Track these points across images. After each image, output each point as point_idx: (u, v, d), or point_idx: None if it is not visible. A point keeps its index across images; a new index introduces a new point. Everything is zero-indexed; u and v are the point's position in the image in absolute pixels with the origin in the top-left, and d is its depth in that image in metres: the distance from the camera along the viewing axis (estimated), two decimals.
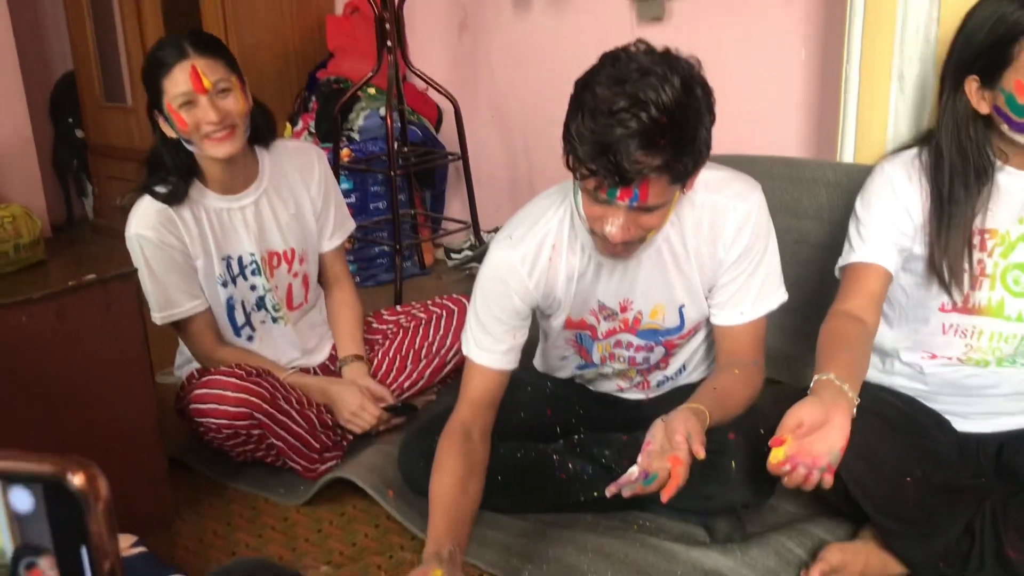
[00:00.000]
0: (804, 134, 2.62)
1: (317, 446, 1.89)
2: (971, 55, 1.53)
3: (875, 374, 1.70)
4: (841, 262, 1.65)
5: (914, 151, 1.63)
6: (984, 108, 1.53)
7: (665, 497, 1.33)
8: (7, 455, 0.44)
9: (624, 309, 1.64)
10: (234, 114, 1.80)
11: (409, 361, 2.12)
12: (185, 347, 2.01)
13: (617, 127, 1.27)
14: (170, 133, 1.83)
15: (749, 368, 1.61)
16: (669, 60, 1.32)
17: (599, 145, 1.29)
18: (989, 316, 1.58)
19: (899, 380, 1.68)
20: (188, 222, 1.87)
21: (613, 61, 1.33)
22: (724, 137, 2.59)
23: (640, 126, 1.27)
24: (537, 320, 1.72)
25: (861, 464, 1.44)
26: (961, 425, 1.65)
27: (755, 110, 2.66)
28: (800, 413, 1.33)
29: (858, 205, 1.65)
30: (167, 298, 1.88)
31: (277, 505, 1.89)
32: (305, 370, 2.08)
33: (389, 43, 2.88)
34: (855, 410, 1.37)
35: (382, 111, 3.11)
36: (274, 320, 2.03)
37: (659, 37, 2.85)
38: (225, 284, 1.95)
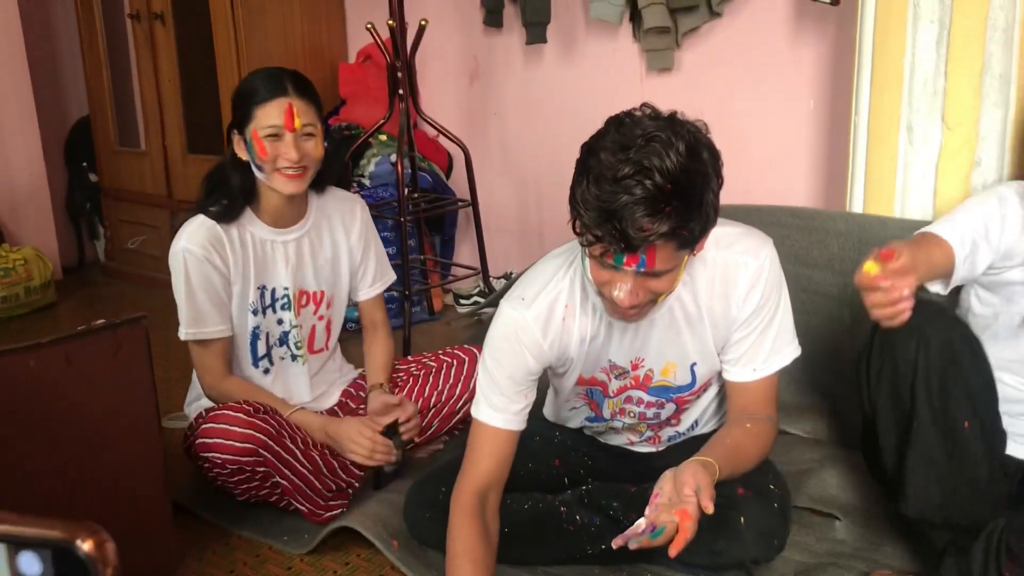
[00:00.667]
0: (813, 184, 2.63)
1: (321, 489, 1.88)
2: None
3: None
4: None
5: None
6: None
7: (673, 552, 1.31)
8: (17, 520, 0.44)
9: (635, 367, 1.62)
10: (311, 157, 1.89)
11: (419, 409, 2.10)
12: (196, 382, 2.01)
13: (622, 194, 1.26)
14: (243, 156, 1.90)
15: (762, 423, 1.59)
16: (674, 125, 1.31)
17: (604, 212, 1.28)
18: None
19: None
20: (235, 243, 1.92)
21: (618, 126, 1.32)
22: (733, 187, 2.60)
23: (645, 193, 1.26)
24: (547, 376, 1.70)
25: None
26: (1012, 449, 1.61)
27: (764, 160, 2.68)
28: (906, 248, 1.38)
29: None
30: (198, 315, 1.90)
31: (281, 553, 1.87)
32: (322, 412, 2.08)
33: (401, 91, 2.91)
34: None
35: (393, 157, 3.14)
36: (293, 358, 2.05)
37: (668, 87, 2.90)
38: (256, 312, 1.98)
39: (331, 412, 2.12)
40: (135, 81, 3.88)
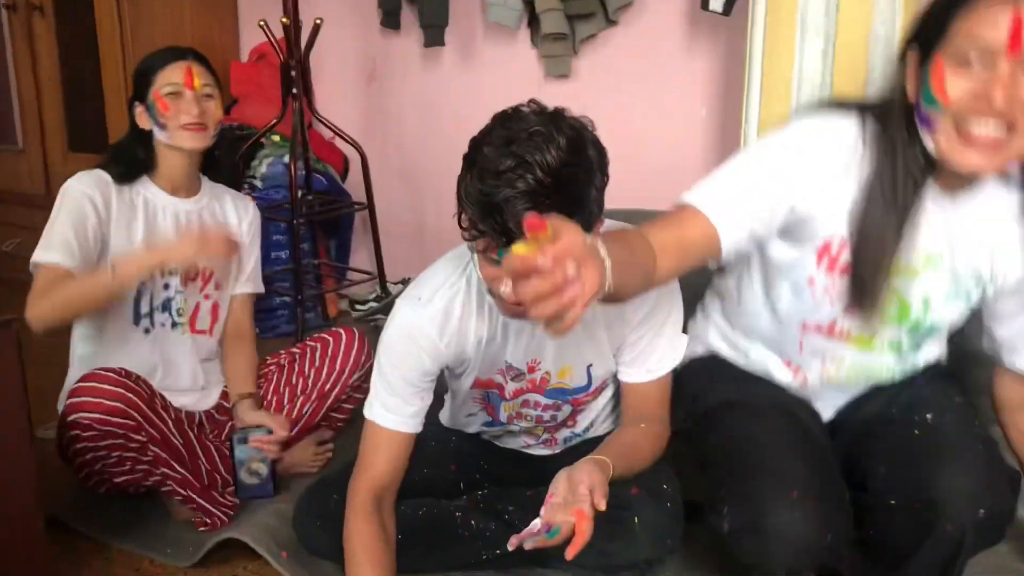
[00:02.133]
0: None
1: (192, 470, 1.84)
2: (919, 19, 1.32)
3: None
4: None
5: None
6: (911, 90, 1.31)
7: (570, 554, 1.31)
8: None
9: (532, 370, 1.62)
10: (211, 116, 1.96)
11: (287, 399, 2.09)
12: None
13: (504, 187, 1.27)
14: (144, 125, 1.96)
15: (655, 423, 1.62)
16: (557, 121, 1.32)
17: (486, 206, 1.29)
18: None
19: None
20: (124, 199, 1.94)
21: (503, 121, 1.33)
22: (629, 192, 2.63)
23: (526, 187, 1.27)
24: (444, 377, 1.69)
25: None
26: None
27: (659, 165, 2.72)
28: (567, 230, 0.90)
29: None
30: (48, 242, 1.85)
31: (164, 567, 1.79)
32: (191, 415, 2.02)
33: (295, 90, 2.85)
34: None
35: (286, 158, 3.07)
36: (174, 325, 2.01)
37: (565, 93, 2.92)
38: None
39: (209, 416, 2.07)
40: (11, 76, 3.70)
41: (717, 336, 1.67)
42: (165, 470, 1.79)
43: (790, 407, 1.54)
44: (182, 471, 1.82)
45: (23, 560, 1.65)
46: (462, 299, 1.55)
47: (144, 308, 1.98)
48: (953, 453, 1.37)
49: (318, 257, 3.30)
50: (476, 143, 1.34)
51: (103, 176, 1.94)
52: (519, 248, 0.87)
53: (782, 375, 1.58)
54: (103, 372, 1.76)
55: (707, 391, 1.61)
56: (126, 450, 1.76)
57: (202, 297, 2.05)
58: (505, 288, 1.37)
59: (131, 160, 1.98)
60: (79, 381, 1.77)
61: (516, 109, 1.35)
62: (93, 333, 1.96)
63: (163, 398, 1.88)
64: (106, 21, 3.26)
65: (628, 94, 2.76)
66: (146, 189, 1.98)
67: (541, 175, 1.27)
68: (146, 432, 1.75)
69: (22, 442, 1.63)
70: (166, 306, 2.00)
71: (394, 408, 1.56)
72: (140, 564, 1.81)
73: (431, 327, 1.54)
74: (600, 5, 2.66)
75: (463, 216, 1.35)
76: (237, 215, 2.13)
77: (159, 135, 1.95)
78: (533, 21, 2.82)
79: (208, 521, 1.84)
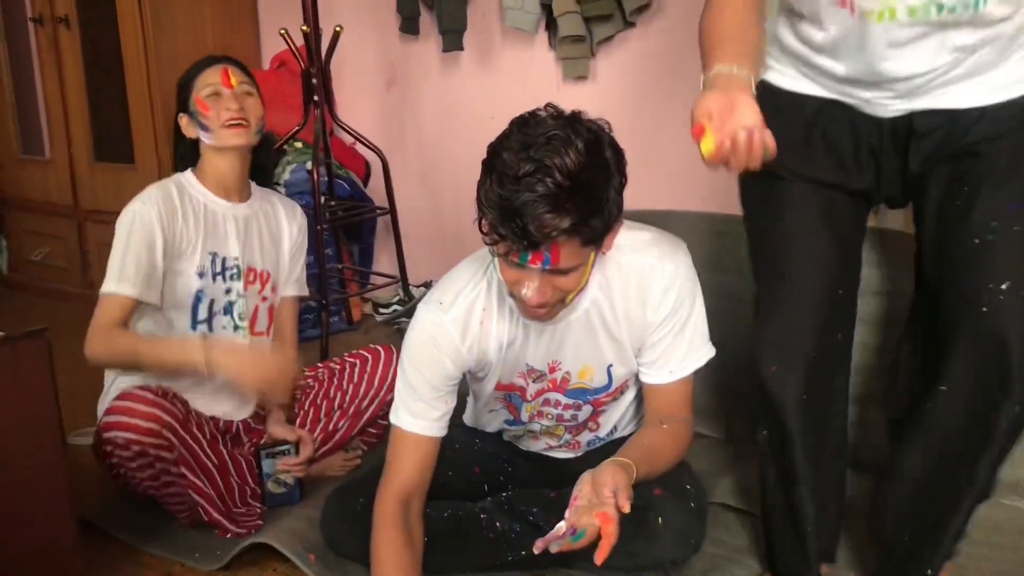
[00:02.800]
0: (727, 189, 2.68)
1: (224, 490, 1.86)
2: None
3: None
4: None
5: None
6: None
7: (599, 558, 1.31)
8: None
9: (553, 370, 1.64)
10: (251, 112, 1.98)
11: (323, 412, 2.10)
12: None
13: (523, 192, 1.29)
14: (191, 134, 1.99)
15: (678, 424, 1.62)
16: (574, 124, 1.34)
17: (506, 210, 1.30)
18: None
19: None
20: (187, 208, 1.95)
21: (521, 125, 1.35)
22: (647, 193, 2.64)
23: (545, 190, 1.28)
24: (466, 380, 1.70)
25: None
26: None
27: (676, 166, 2.72)
28: (705, 104, 1.26)
29: None
30: (117, 273, 1.86)
31: (194, 571, 1.82)
32: (228, 424, 2.04)
33: (316, 97, 2.88)
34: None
35: (309, 165, 3.10)
36: (236, 329, 2.03)
37: (583, 95, 2.93)
38: (202, 275, 1.96)
39: (246, 424, 2.08)
40: (39, 86, 3.75)
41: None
42: (192, 493, 1.82)
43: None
44: (210, 491, 1.84)
45: (57, 563, 1.68)
46: (483, 303, 1.56)
47: (202, 314, 1.98)
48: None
49: (341, 262, 3.32)
50: (495, 148, 1.35)
51: (167, 194, 1.93)
52: (705, 146, 1.23)
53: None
54: (139, 392, 1.78)
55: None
56: (158, 469, 1.80)
57: (260, 300, 2.08)
58: (526, 291, 1.39)
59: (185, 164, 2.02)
60: (116, 398, 1.79)
61: (533, 113, 1.36)
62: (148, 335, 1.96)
63: (198, 416, 1.89)
64: (129, 33, 3.30)
65: (645, 95, 2.76)
66: (203, 195, 2.00)
67: (560, 178, 1.28)
68: (178, 452, 1.78)
69: (54, 449, 1.66)
70: (227, 310, 2.02)
71: (419, 413, 1.58)
72: (171, 568, 1.83)
73: (453, 331, 1.55)
74: (617, 7, 2.66)
75: (483, 221, 1.36)
76: (288, 220, 2.14)
77: (205, 138, 1.97)
78: (550, 24, 2.83)
79: (232, 530, 1.87)
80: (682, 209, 2.33)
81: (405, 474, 1.58)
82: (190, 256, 1.94)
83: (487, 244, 1.39)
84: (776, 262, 1.52)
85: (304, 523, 1.84)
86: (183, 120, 1.99)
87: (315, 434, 2.07)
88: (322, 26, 2.87)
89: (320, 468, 2.09)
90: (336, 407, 2.10)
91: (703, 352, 1.64)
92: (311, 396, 2.12)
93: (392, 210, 3.02)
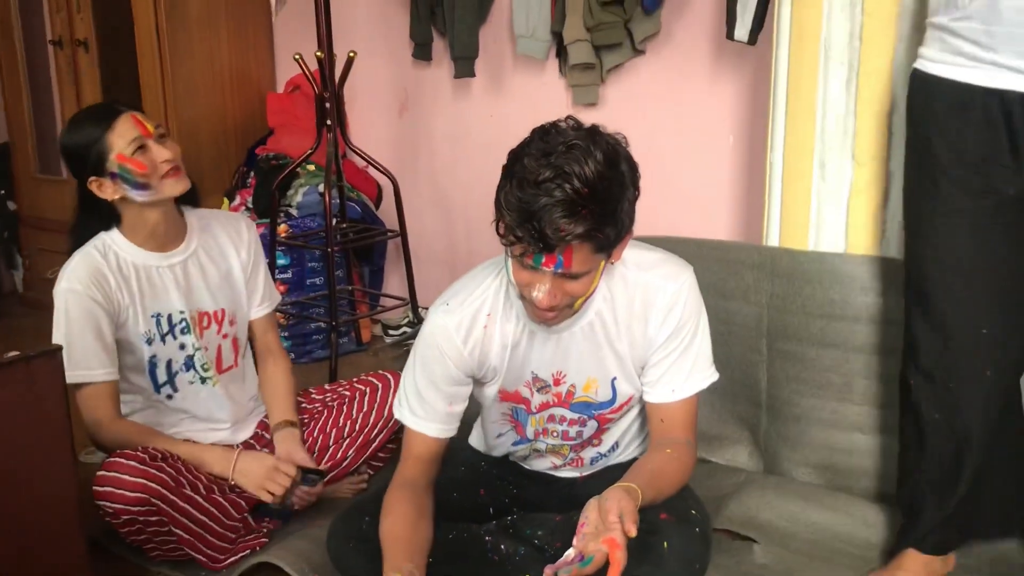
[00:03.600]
0: (733, 217, 2.70)
1: (224, 533, 1.85)
2: None
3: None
4: None
5: None
6: None
7: None
8: None
9: (557, 382, 1.66)
10: (176, 153, 1.88)
11: (332, 440, 2.09)
12: None
13: (542, 196, 1.34)
14: (111, 195, 1.86)
15: (682, 447, 1.63)
16: (594, 136, 1.40)
17: (524, 213, 1.35)
18: None
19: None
20: (117, 275, 1.89)
21: (543, 135, 1.40)
22: (656, 219, 2.66)
23: (563, 196, 1.33)
24: (474, 391, 1.72)
25: None
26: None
27: (686, 193, 2.74)
28: None
29: None
30: (80, 358, 1.83)
31: None
32: (229, 446, 2.02)
33: (329, 121, 2.91)
34: None
35: (321, 187, 3.13)
36: (203, 381, 2.01)
37: (593, 121, 2.93)
38: (150, 342, 1.93)
39: (247, 446, 2.08)
40: (57, 107, 3.81)
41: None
42: (188, 549, 1.82)
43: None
44: (209, 539, 1.84)
45: None
46: (489, 306, 1.61)
47: (162, 378, 1.96)
48: None
49: (352, 283, 3.35)
50: (515, 154, 1.41)
51: (97, 270, 1.86)
52: None
53: None
54: (125, 461, 1.76)
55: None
56: (150, 533, 1.80)
57: (221, 339, 2.04)
58: (537, 292, 1.43)
59: (97, 229, 1.91)
60: (102, 468, 1.78)
61: (555, 124, 1.42)
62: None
63: (189, 473, 1.84)
64: (147, 57, 3.35)
65: (655, 122, 2.78)
66: (132, 255, 1.91)
67: (579, 185, 1.34)
68: (169, 516, 1.77)
69: (65, 467, 1.68)
70: (188, 365, 1.99)
71: (421, 413, 1.64)
72: None
73: (456, 333, 1.60)
74: (627, 35, 2.70)
75: (501, 223, 1.41)
76: (233, 245, 2.06)
77: (140, 196, 1.86)
78: (561, 52, 2.86)
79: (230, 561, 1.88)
80: (690, 236, 2.35)
81: (416, 458, 1.65)
82: (133, 324, 1.91)
83: (504, 245, 1.44)
84: None
85: (310, 543, 1.85)
86: (97, 184, 1.85)
87: (323, 461, 2.08)
88: (336, 51, 2.91)
89: (327, 491, 2.10)
90: (345, 435, 2.10)
91: (706, 374, 1.66)
92: (319, 422, 2.11)
93: (403, 233, 3.05)
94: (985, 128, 1.52)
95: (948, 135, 1.57)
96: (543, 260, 1.40)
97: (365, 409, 2.11)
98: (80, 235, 1.93)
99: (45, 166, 3.94)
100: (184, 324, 1.97)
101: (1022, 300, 1.61)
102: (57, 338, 1.84)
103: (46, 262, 3.95)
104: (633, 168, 1.44)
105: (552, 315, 1.49)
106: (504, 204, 1.39)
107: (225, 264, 2.05)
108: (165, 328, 1.95)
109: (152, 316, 1.93)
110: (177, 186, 1.88)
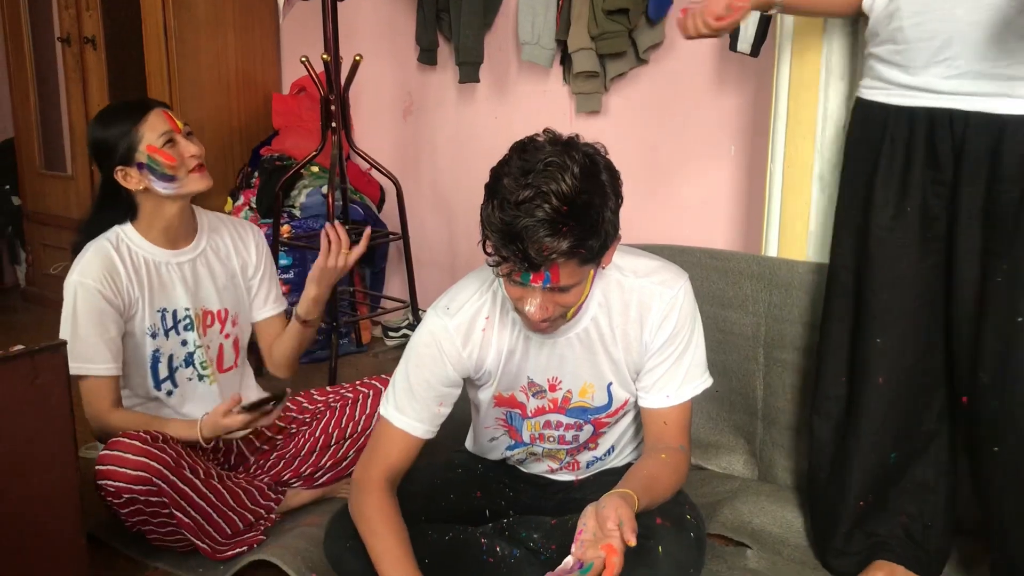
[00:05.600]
0: (733, 226, 2.72)
1: (223, 525, 1.87)
2: None
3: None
4: None
5: None
6: None
7: None
8: None
9: (553, 388, 1.68)
10: (202, 154, 1.94)
11: (333, 440, 2.11)
12: None
13: (523, 217, 1.36)
14: (135, 185, 1.90)
15: (676, 453, 1.64)
16: (570, 150, 1.40)
17: (508, 234, 1.37)
18: None
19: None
20: (129, 270, 1.92)
21: (520, 151, 1.42)
22: (656, 227, 2.68)
23: (544, 215, 1.35)
24: (468, 394, 1.74)
25: None
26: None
27: (686, 202, 2.76)
28: None
29: None
30: (83, 351, 1.86)
31: None
32: (228, 445, 2.07)
33: (334, 123, 2.93)
34: None
35: (324, 189, 3.15)
36: (200, 378, 2.04)
37: (596, 129, 2.97)
38: (154, 336, 1.96)
39: (247, 440, 2.11)
40: (63, 104, 3.83)
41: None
42: (187, 533, 1.83)
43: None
44: (208, 527, 1.85)
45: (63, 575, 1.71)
46: (487, 311, 1.63)
47: (163, 373, 1.99)
48: None
49: (353, 285, 3.37)
50: (496, 173, 1.43)
51: (106, 259, 1.89)
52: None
53: None
54: (127, 440, 1.78)
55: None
56: (149, 514, 1.81)
57: (223, 338, 2.07)
58: (529, 307, 1.45)
59: (113, 222, 1.94)
60: (105, 448, 1.80)
61: (532, 139, 1.44)
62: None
63: (191, 457, 1.85)
64: (154, 55, 3.38)
65: (657, 131, 2.80)
66: (144, 249, 1.95)
67: (557, 203, 1.35)
68: (169, 498, 1.78)
69: (66, 462, 1.70)
70: (188, 361, 2.02)
71: (409, 412, 1.64)
72: None
73: (456, 336, 1.62)
74: (631, 44, 2.72)
75: (487, 242, 1.43)
76: (242, 247, 2.11)
77: (165, 188, 1.90)
78: (565, 59, 2.88)
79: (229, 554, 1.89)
80: (689, 245, 2.37)
81: (391, 459, 1.64)
82: (140, 318, 1.94)
83: (490, 265, 1.46)
84: None
85: (307, 542, 1.87)
86: (123, 174, 1.89)
87: (324, 460, 2.09)
88: (342, 55, 2.93)
89: (327, 491, 2.12)
90: (347, 436, 2.12)
91: (700, 381, 1.68)
92: (323, 423, 2.13)
93: (405, 236, 3.06)
94: (905, 147, 1.66)
95: (874, 153, 1.70)
96: (531, 277, 1.42)
97: (368, 411, 2.13)
98: (93, 228, 1.96)
99: (50, 162, 3.96)
100: (188, 321, 2.00)
101: (936, 311, 1.71)
102: (64, 329, 1.87)
103: (49, 257, 3.97)
104: (614, 176, 1.45)
105: (546, 325, 1.52)
106: (488, 224, 1.41)
107: (232, 265, 2.08)
108: (169, 323, 1.98)
109: (158, 311, 1.96)
110: (201, 182, 1.93)
